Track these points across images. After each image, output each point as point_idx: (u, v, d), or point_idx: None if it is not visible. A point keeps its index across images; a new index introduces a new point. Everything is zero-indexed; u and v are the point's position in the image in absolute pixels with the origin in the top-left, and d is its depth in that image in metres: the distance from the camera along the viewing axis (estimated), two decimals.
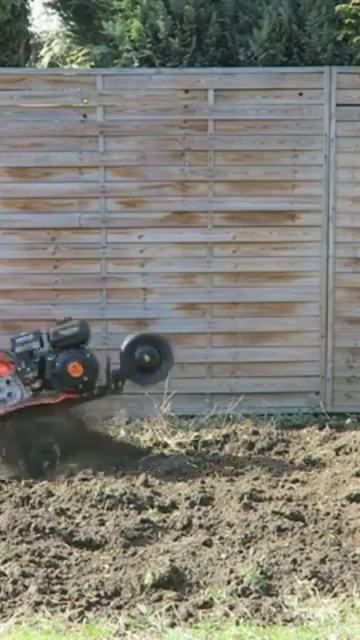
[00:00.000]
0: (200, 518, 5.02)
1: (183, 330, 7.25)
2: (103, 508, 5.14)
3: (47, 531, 4.75)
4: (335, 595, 4.20)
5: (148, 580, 4.23)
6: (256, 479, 5.77)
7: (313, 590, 4.21)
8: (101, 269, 7.49)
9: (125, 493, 5.26)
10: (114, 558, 4.57)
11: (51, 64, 10.74)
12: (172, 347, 6.38)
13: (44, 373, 6.16)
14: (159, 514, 5.11)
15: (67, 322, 6.26)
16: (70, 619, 3.97)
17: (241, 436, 6.74)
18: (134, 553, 4.62)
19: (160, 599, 4.14)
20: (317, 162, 7.47)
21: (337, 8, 7.39)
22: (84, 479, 5.64)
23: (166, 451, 6.42)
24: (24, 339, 6.24)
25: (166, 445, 6.55)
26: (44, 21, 11.10)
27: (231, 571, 4.35)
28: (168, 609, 4.04)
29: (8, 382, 6.14)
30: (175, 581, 4.26)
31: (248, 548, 4.65)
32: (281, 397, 7.43)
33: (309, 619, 4.00)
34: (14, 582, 4.22)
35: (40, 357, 6.17)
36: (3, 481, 5.60)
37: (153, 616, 3.99)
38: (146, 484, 5.59)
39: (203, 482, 5.65)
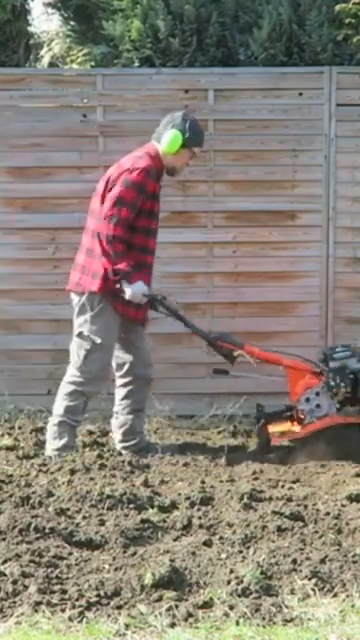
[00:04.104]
0: (200, 518, 5.02)
1: (183, 330, 7.23)
2: (103, 508, 5.14)
3: (47, 531, 4.75)
4: (335, 595, 4.20)
5: (148, 580, 4.23)
6: (256, 479, 5.77)
7: (313, 590, 4.21)
8: None
9: (125, 493, 5.26)
10: (114, 558, 4.57)
11: (51, 64, 10.75)
12: None
13: (356, 390, 6.23)
14: (159, 514, 5.10)
15: None
16: (70, 619, 3.96)
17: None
18: (134, 553, 4.62)
19: (160, 599, 4.13)
20: (317, 162, 7.48)
21: (337, 8, 7.39)
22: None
23: None
24: (342, 355, 6.30)
25: None
26: (44, 21, 11.11)
27: (231, 571, 4.35)
28: (168, 609, 4.04)
29: (317, 394, 6.24)
30: (175, 581, 4.26)
31: (248, 548, 4.64)
32: (281, 397, 7.42)
33: (309, 619, 3.99)
34: (14, 582, 4.22)
35: (354, 374, 6.23)
36: (3, 481, 5.60)
37: (153, 616, 3.99)
38: (146, 484, 5.59)
39: (203, 482, 5.65)
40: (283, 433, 6.31)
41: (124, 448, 6.26)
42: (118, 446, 6.30)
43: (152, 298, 6.12)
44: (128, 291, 5.97)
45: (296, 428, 6.32)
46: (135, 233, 6.01)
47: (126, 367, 6.25)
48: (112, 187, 6.01)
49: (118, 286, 5.98)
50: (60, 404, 6.15)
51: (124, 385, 6.29)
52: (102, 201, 6.06)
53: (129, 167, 6.01)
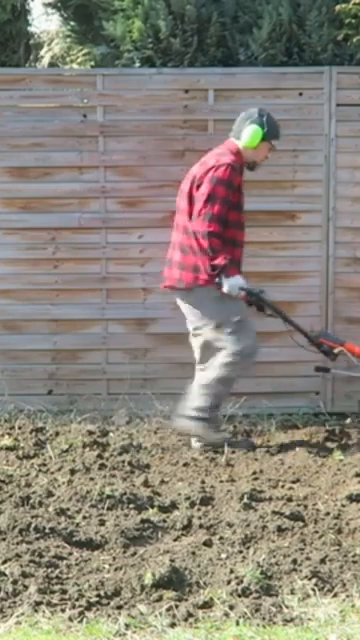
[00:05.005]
0: (200, 518, 5.03)
1: (183, 330, 7.23)
2: (103, 508, 5.14)
3: (47, 531, 4.75)
4: (335, 595, 4.21)
5: (148, 580, 4.24)
6: (256, 479, 5.78)
7: (313, 590, 4.22)
8: (101, 269, 7.49)
9: (125, 493, 5.27)
10: (114, 558, 4.58)
11: (51, 64, 10.74)
12: None
13: None
14: (159, 514, 5.11)
15: None
16: (70, 619, 3.97)
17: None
18: (134, 553, 4.63)
19: (160, 599, 4.14)
20: (317, 162, 7.47)
21: (337, 8, 7.38)
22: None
23: None
24: None
25: None
26: (44, 21, 11.11)
27: (231, 571, 4.36)
28: (168, 609, 4.04)
29: None
30: (175, 581, 4.27)
31: (248, 548, 4.65)
32: (281, 397, 7.44)
33: (309, 619, 4.00)
34: (14, 582, 4.22)
35: None
36: (3, 481, 5.60)
37: (153, 616, 4.00)
38: (146, 484, 5.59)
39: (203, 482, 5.65)
40: None
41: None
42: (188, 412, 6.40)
43: (249, 292, 6.32)
44: (226, 285, 6.21)
45: None
46: (228, 228, 6.31)
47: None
48: (199, 185, 6.30)
49: (216, 280, 6.20)
50: (213, 373, 6.33)
51: None
52: (189, 200, 6.35)
53: (214, 164, 6.32)
